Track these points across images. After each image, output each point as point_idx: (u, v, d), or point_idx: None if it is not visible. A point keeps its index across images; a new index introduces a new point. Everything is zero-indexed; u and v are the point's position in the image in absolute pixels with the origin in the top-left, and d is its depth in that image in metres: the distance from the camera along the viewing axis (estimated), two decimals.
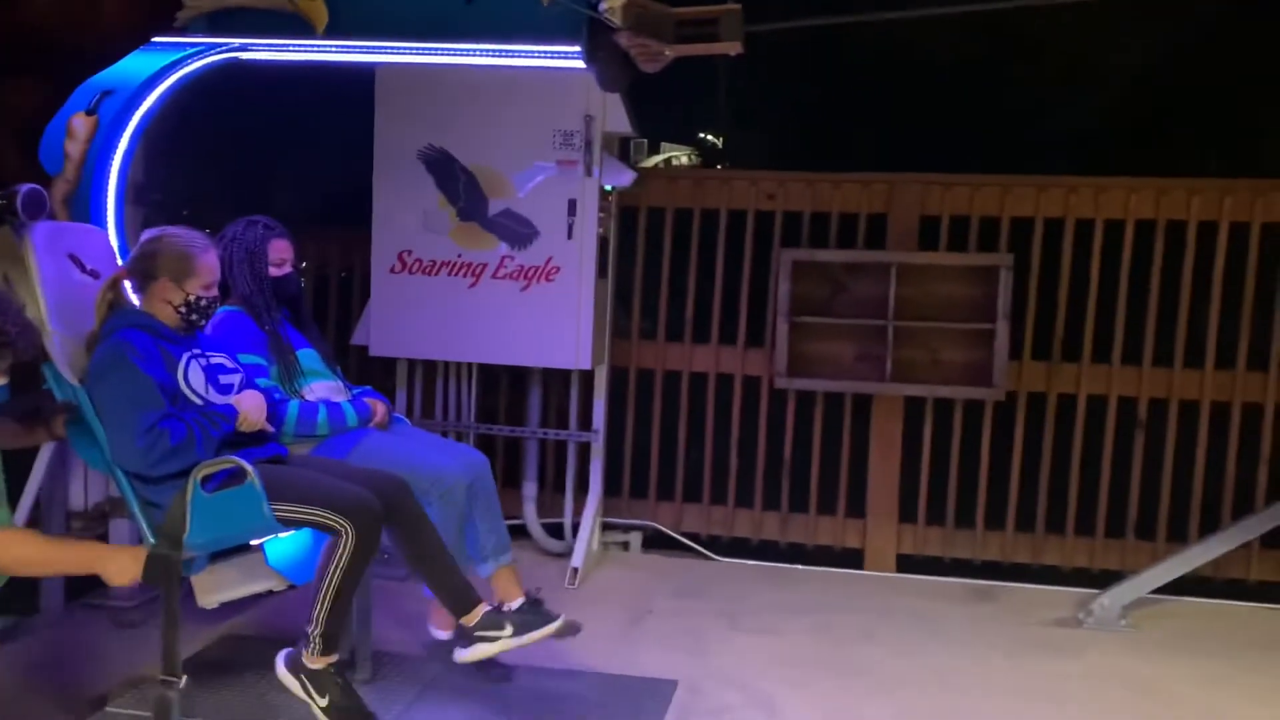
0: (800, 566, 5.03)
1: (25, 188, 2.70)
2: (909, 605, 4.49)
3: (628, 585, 4.67)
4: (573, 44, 3.22)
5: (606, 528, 5.14)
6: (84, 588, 3.91)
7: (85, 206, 3.10)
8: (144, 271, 2.79)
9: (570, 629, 3.13)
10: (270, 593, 2.96)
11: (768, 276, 5.08)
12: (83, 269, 2.85)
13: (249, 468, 2.57)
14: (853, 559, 5.11)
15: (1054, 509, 4.97)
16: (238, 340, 3.09)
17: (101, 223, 3.14)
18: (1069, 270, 4.90)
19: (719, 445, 5.26)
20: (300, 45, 3.28)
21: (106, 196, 3.14)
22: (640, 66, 3.07)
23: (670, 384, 5.30)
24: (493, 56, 3.34)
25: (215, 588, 2.81)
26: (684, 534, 5.25)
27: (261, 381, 3.04)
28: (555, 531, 5.11)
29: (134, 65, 3.14)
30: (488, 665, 3.04)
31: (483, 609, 2.94)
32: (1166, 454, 4.83)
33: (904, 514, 5.08)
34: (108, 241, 3.08)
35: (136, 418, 2.60)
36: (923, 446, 5.05)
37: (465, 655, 2.94)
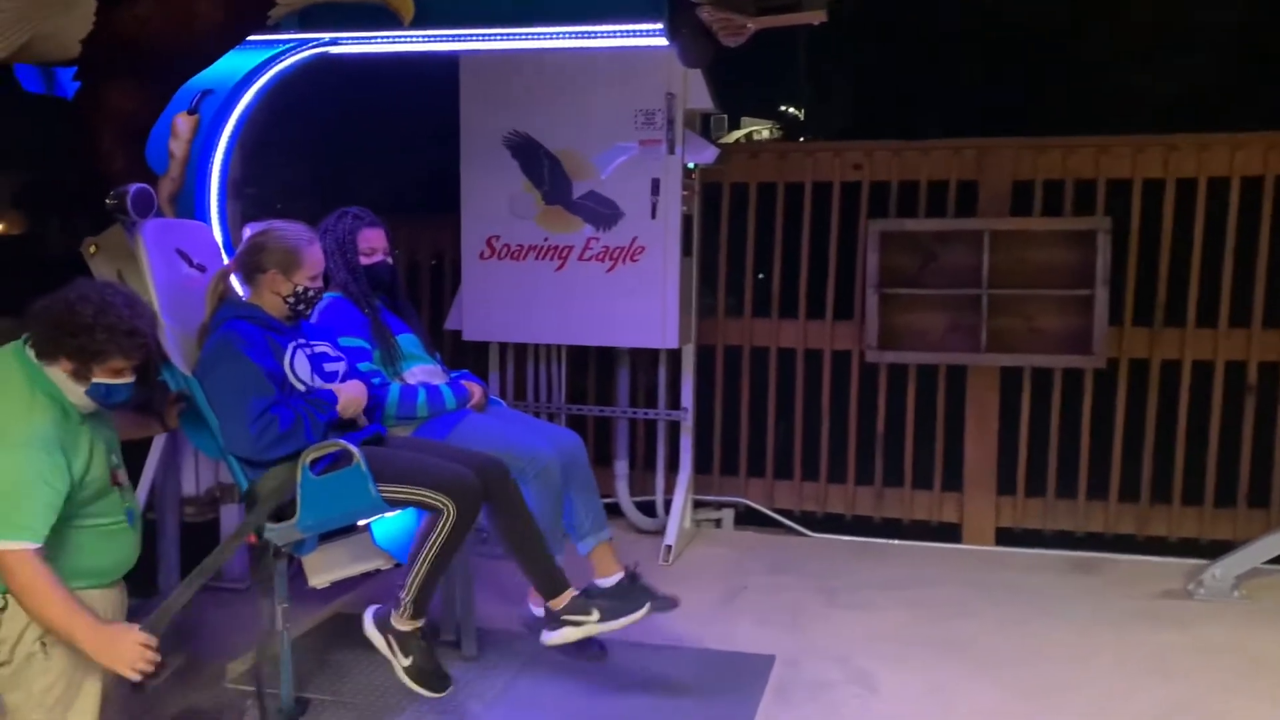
0: (896, 541, 4.97)
1: (134, 187, 2.79)
2: (1009, 579, 4.42)
3: (721, 562, 4.69)
4: (654, 21, 3.20)
5: (698, 505, 5.15)
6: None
7: (190, 203, 3.21)
8: (252, 265, 2.88)
9: (667, 604, 3.14)
10: (377, 572, 3.04)
11: (855, 249, 5.02)
12: (190, 263, 2.96)
13: (355, 450, 2.65)
14: (950, 533, 5.04)
15: (1159, 478, 4.83)
16: (341, 324, 3.16)
17: (205, 218, 3.25)
18: (1170, 232, 4.73)
19: (809, 421, 5.23)
20: (387, 37, 3.35)
21: (210, 192, 3.25)
22: (722, 41, 3.05)
23: (758, 360, 5.28)
24: (575, 39, 3.35)
25: (325, 568, 2.90)
26: (776, 510, 5.25)
27: (364, 365, 3.12)
28: (647, 510, 5.15)
29: (231, 64, 3.23)
30: (585, 644, 3.07)
31: (571, 594, 2.96)
32: None
33: (1002, 486, 4.99)
34: (212, 236, 3.20)
35: (247, 405, 2.69)
36: (1020, 417, 4.95)
37: (552, 638, 2.97)
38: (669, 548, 4.66)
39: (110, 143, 2.92)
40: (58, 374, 2.36)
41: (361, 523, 2.88)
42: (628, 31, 3.28)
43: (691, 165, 4.65)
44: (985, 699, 3.32)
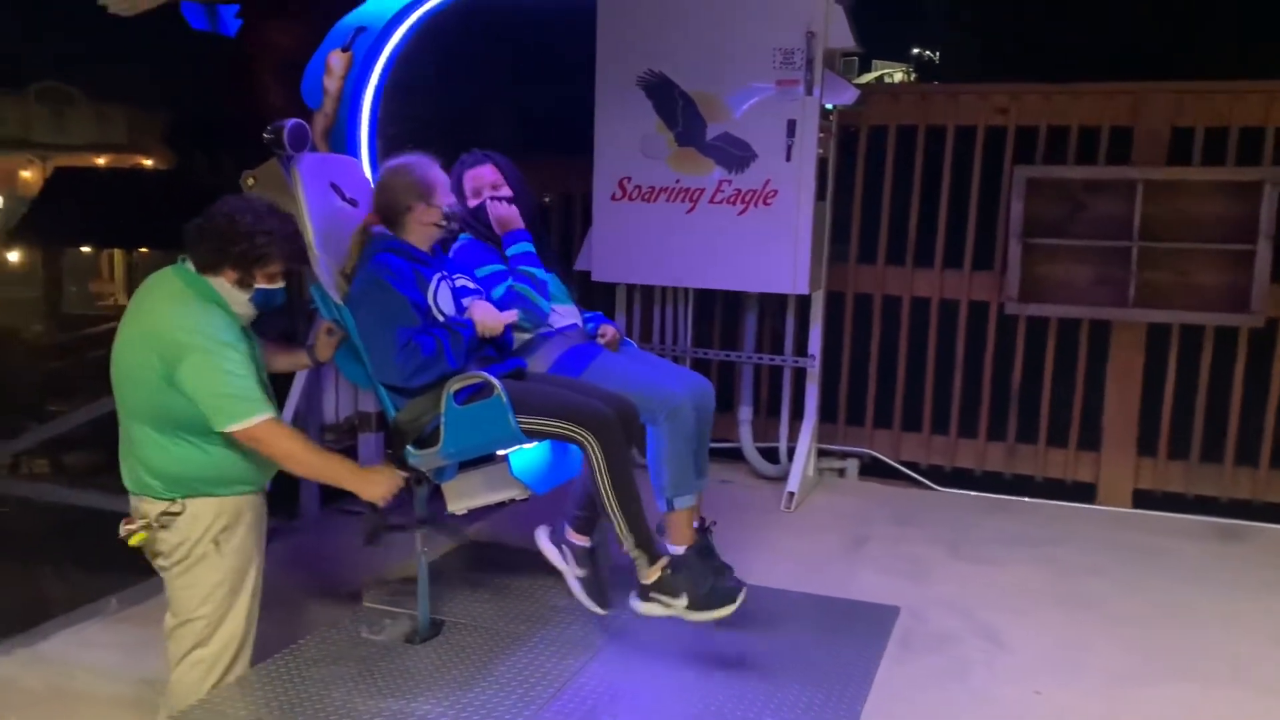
0: (1026, 499, 4.86)
1: (290, 122, 2.89)
2: (1144, 541, 4.28)
3: (844, 511, 4.66)
4: None
5: (822, 454, 5.12)
6: (337, 494, 4.24)
7: (342, 138, 3.30)
8: (394, 204, 2.96)
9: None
10: (510, 502, 3.12)
11: (997, 196, 4.85)
12: (343, 197, 3.05)
13: (496, 382, 2.72)
14: (1084, 493, 4.90)
15: None
16: (475, 258, 3.23)
17: (356, 153, 3.35)
18: None
19: (941, 373, 5.12)
20: None
21: (360, 128, 3.34)
22: None
23: (890, 309, 5.19)
24: None
25: (463, 495, 3.00)
26: (902, 463, 5.18)
27: (497, 291, 3.17)
28: (770, 456, 5.14)
29: (384, 2, 3.29)
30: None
31: (662, 566, 2.87)
32: None
33: (1142, 447, 4.81)
34: (363, 171, 3.29)
35: (393, 335, 2.78)
36: (1166, 376, 4.74)
37: (640, 608, 2.93)
38: (791, 494, 4.65)
39: (268, 78, 3.03)
40: (223, 284, 2.56)
41: (500, 453, 2.96)
42: None
43: (830, 107, 4.54)
44: (1115, 659, 3.24)
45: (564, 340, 3.19)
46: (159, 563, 2.72)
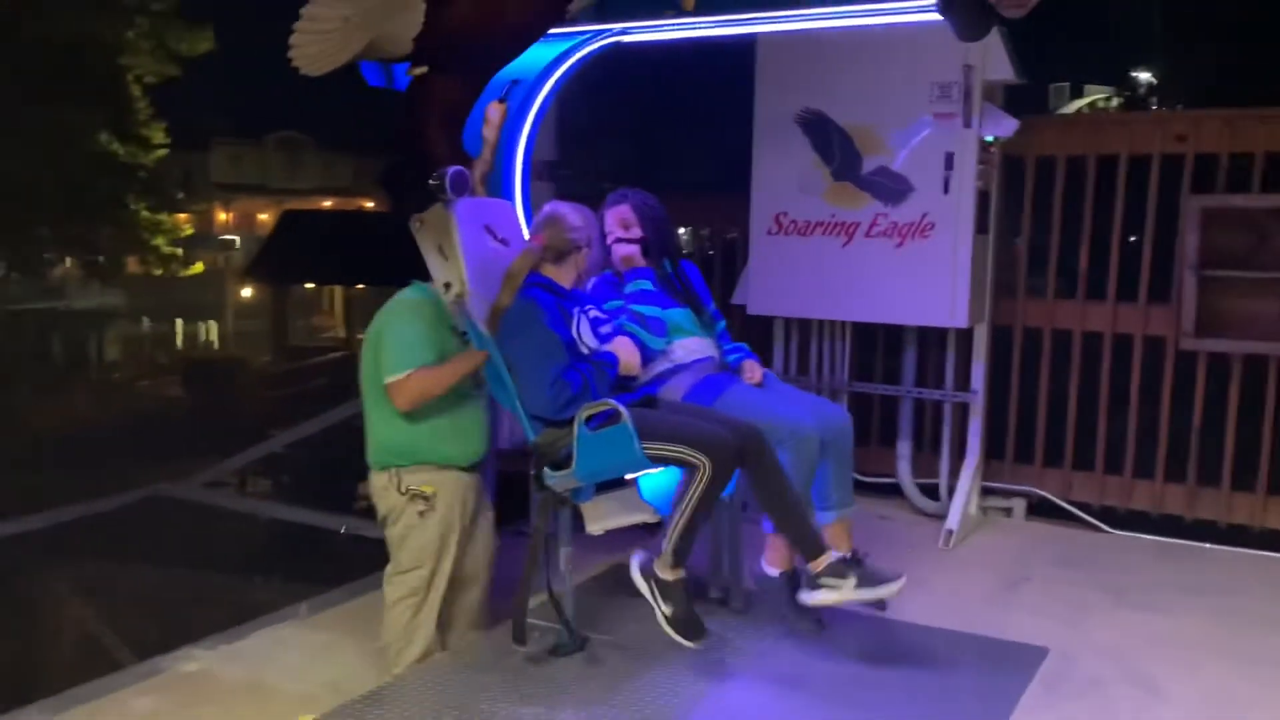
0: (1207, 545, 4.57)
1: (452, 169, 3.15)
2: None
3: (1005, 551, 4.54)
4: None
5: (987, 492, 5.00)
6: (511, 517, 4.45)
7: (498, 183, 3.56)
8: (552, 241, 3.21)
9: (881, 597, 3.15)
10: (645, 527, 3.26)
11: (1176, 227, 4.63)
12: (495, 238, 3.30)
13: (623, 409, 2.88)
14: (1273, 541, 4.56)
15: None
16: (604, 292, 3.44)
17: (510, 196, 3.60)
18: None
19: (1115, 410, 4.91)
20: (672, 24, 3.53)
21: (515, 173, 3.60)
22: (1003, 12, 2.95)
23: (1060, 344, 5.02)
24: (846, 18, 3.37)
25: (600, 516, 3.17)
26: (1073, 503, 4.98)
27: (630, 325, 3.35)
28: (931, 493, 5.06)
29: (535, 56, 3.55)
30: (807, 611, 3.15)
31: (829, 558, 3.03)
32: None
33: None
34: (515, 213, 3.54)
35: (545, 370, 3.01)
36: None
37: (810, 599, 3.06)
38: (950, 532, 4.57)
39: (435, 130, 3.30)
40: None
41: (629, 477, 3.11)
42: (899, 9, 3.24)
43: (990, 139, 4.49)
44: None
45: (697, 371, 3.32)
46: (382, 522, 3.27)
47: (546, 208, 3.33)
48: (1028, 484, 5.06)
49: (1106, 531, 4.78)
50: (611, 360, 3.12)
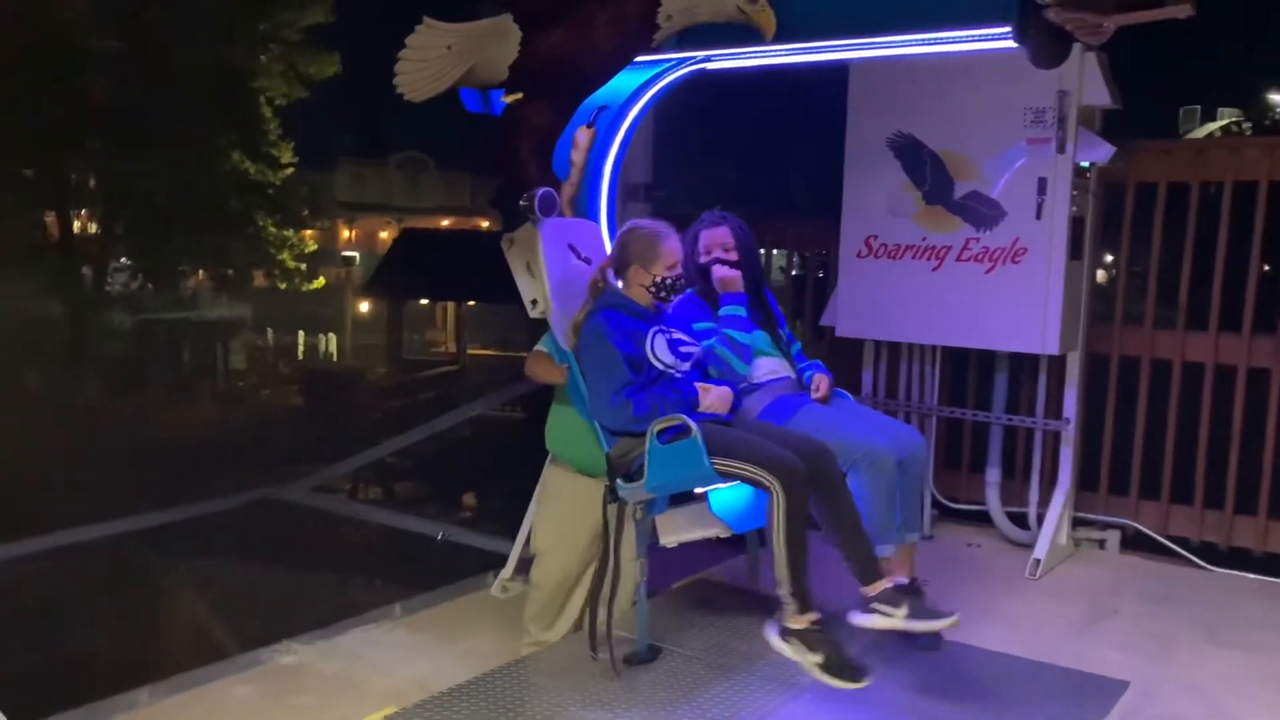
0: None
1: (541, 191, 3.30)
2: None
3: (1095, 583, 4.44)
4: (1002, 25, 3.15)
5: (1080, 523, 4.90)
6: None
7: (585, 205, 3.69)
8: (620, 260, 3.30)
9: (936, 635, 3.12)
10: (720, 541, 3.32)
11: None
12: (578, 256, 3.43)
13: (693, 424, 2.96)
14: None
15: None
16: (692, 312, 3.50)
17: (596, 217, 3.73)
18: None
19: (1216, 443, 4.76)
20: (754, 52, 3.61)
21: (601, 195, 3.72)
22: (1080, 40, 2.94)
23: (1159, 374, 4.89)
24: (920, 45, 3.39)
25: (673, 529, 3.24)
26: (1170, 538, 4.83)
27: (706, 344, 3.41)
28: (1020, 521, 4.98)
29: (622, 82, 3.67)
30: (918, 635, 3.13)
31: (885, 584, 3.02)
32: None
33: None
34: (599, 233, 3.66)
35: (609, 386, 3.11)
36: None
37: (860, 621, 3.03)
38: (1037, 561, 4.49)
39: (526, 153, 3.46)
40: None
41: (699, 490, 3.18)
42: (975, 36, 3.25)
43: (1085, 164, 4.43)
44: None
45: (773, 390, 3.38)
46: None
47: (629, 222, 3.42)
48: (1123, 516, 4.94)
49: (1203, 567, 4.63)
50: (692, 394, 3.15)
